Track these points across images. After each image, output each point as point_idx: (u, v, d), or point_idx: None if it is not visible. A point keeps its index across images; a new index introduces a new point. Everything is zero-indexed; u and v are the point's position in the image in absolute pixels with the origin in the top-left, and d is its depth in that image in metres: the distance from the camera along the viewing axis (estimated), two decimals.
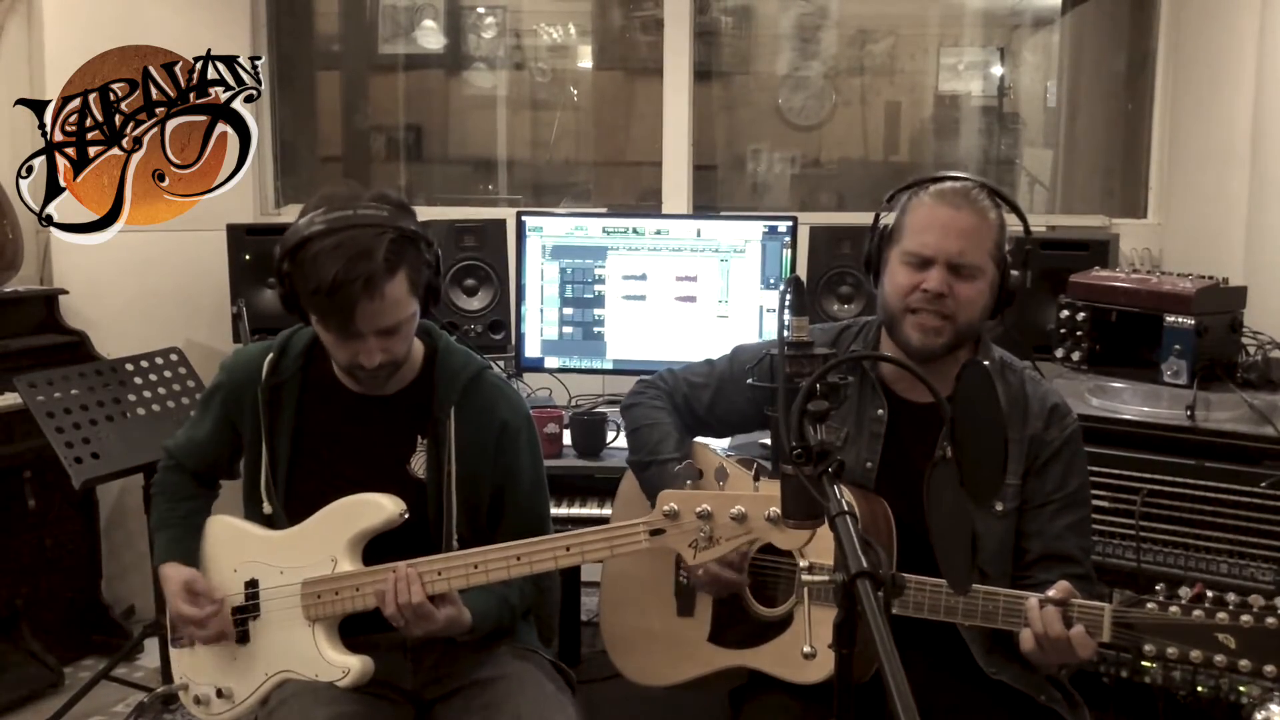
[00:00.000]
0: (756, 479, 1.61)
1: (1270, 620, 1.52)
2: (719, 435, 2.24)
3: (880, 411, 1.89)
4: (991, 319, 1.88)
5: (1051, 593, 1.64)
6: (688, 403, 2.08)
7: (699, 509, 1.59)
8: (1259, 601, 1.54)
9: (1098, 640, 1.62)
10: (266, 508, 1.90)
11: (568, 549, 1.71)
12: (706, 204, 3.88)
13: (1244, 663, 1.53)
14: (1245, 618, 1.53)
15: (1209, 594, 1.58)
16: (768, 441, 2.37)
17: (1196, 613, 1.56)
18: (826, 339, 1.96)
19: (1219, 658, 1.55)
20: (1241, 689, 2.25)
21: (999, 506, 1.82)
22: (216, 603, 1.88)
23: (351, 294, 1.69)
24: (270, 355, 1.92)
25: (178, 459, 2.05)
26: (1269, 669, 1.52)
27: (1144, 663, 2.31)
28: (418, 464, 1.90)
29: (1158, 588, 1.62)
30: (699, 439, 2.10)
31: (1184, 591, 1.60)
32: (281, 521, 1.89)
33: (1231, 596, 1.56)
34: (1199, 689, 2.28)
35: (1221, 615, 1.55)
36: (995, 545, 1.82)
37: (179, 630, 1.95)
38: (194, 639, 1.92)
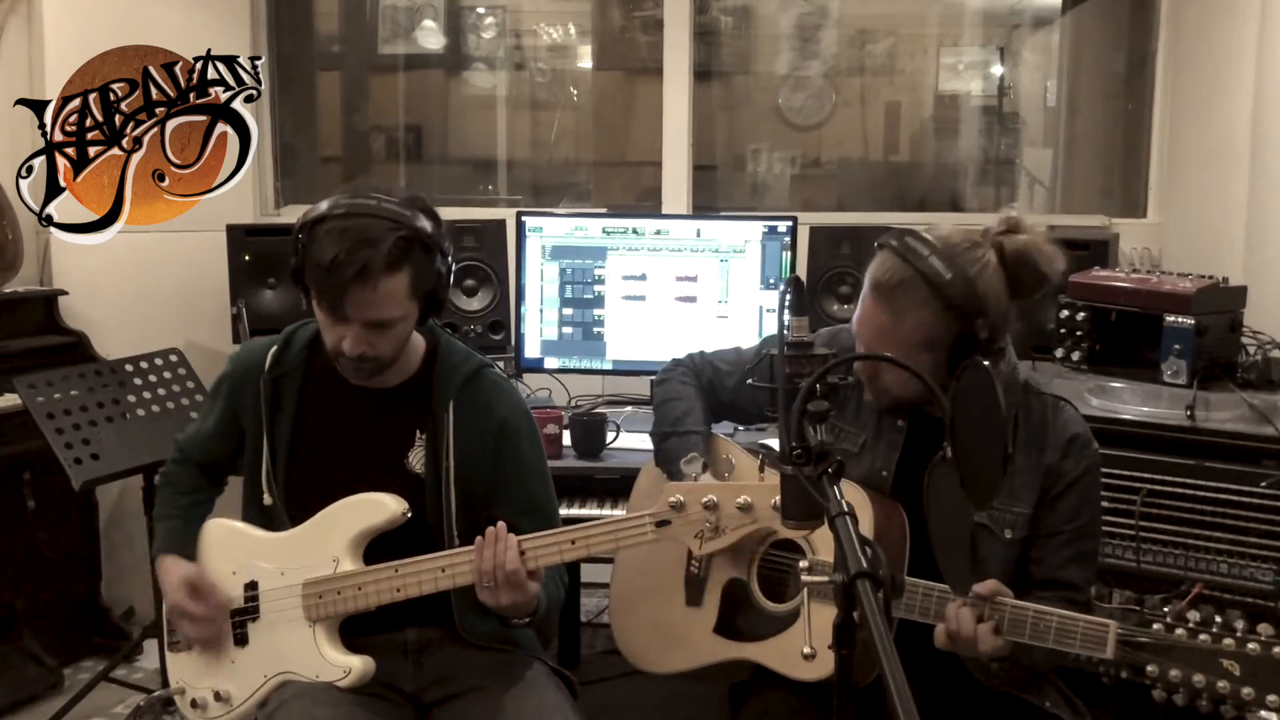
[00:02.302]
0: (762, 469, 1.62)
1: (1278, 650, 1.50)
2: (740, 422, 2.25)
3: (901, 423, 1.88)
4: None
5: (979, 589, 1.64)
6: (712, 386, 2.11)
7: (705, 500, 1.60)
8: (1268, 630, 1.53)
9: (1007, 640, 1.62)
10: (266, 499, 1.90)
11: (573, 543, 1.71)
12: (706, 204, 3.88)
13: (1247, 690, 1.51)
14: (1252, 645, 1.52)
15: (1217, 619, 1.57)
16: (767, 441, 2.37)
17: (1203, 637, 1.55)
18: (855, 341, 1.93)
19: (1222, 684, 1.53)
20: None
21: (1008, 534, 1.80)
22: (216, 605, 1.88)
23: (343, 277, 1.71)
24: (274, 348, 1.94)
25: (186, 452, 2.06)
26: (1271, 699, 1.50)
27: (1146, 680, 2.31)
28: (416, 459, 1.90)
29: (1165, 609, 1.61)
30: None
31: (1192, 615, 1.59)
32: (281, 513, 1.89)
33: (1240, 623, 1.55)
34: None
35: (1228, 641, 1.53)
36: (998, 569, 1.78)
37: (174, 626, 1.94)
38: (189, 637, 1.91)
